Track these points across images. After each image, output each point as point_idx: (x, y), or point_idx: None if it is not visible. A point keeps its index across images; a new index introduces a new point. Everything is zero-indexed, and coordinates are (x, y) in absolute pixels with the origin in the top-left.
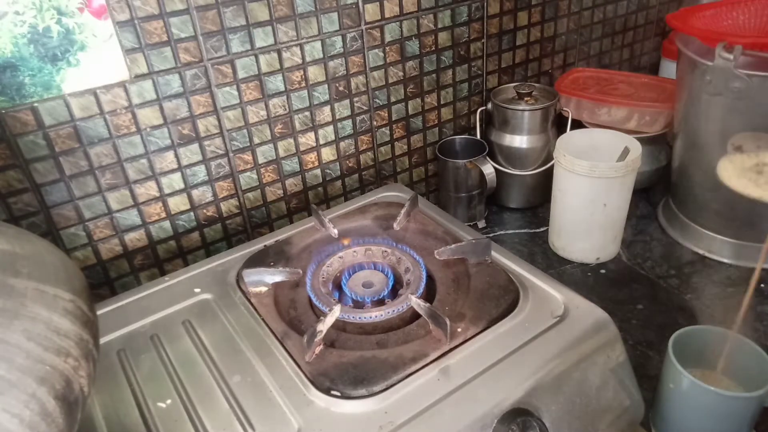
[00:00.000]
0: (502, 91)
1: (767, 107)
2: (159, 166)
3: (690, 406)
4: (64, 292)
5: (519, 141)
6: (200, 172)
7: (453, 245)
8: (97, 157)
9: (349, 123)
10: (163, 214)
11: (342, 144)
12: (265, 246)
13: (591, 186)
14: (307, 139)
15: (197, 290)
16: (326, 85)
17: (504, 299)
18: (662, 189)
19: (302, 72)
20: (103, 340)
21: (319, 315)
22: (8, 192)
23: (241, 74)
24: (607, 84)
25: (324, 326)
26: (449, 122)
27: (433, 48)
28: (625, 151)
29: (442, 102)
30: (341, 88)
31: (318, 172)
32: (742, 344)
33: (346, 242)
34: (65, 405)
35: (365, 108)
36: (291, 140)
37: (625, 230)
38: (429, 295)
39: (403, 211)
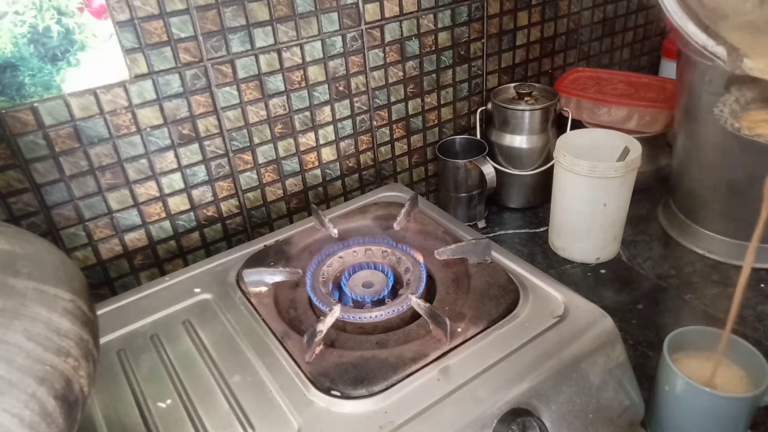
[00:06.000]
0: (502, 91)
1: None
2: (159, 166)
3: (685, 407)
4: (64, 292)
5: (519, 141)
6: (200, 172)
7: (453, 245)
8: (97, 157)
9: (349, 123)
10: (163, 214)
11: (342, 144)
12: (265, 246)
13: (591, 186)
14: (307, 139)
15: (197, 290)
16: (326, 85)
17: (504, 299)
18: (662, 189)
19: (302, 72)
20: (103, 340)
21: (319, 315)
22: (8, 192)
23: (241, 74)
24: (607, 84)
25: (324, 326)
26: (449, 122)
27: (433, 48)
28: (625, 151)
29: (442, 102)
30: (341, 88)
31: (318, 172)
32: (737, 344)
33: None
34: (65, 405)
35: (365, 108)
36: (291, 140)
37: (625, 230)
38: (429, 295)
39: (403, 211)
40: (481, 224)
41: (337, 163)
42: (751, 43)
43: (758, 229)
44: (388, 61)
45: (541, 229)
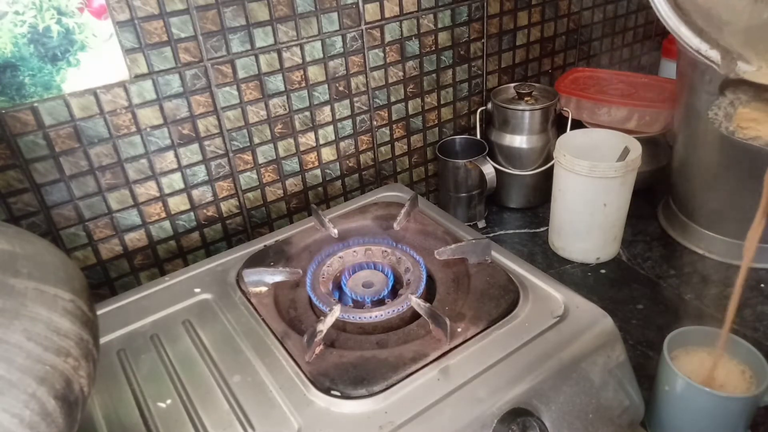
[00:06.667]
0: (502, 91)
1: None
2: (159, 166)
3: (685, 407)
4: (64, 292)
5: (519, 141)
6: (200, 172)
7: (453, 245)
8: (97, 157)
9: (349, 123)
10: (163, 214)
11: (342, 144)
12: (265, 246)
13: (591, 186)
14: (307, 139)
15: (197, 290)
16: (326, 85)
17: (504, 299)
18: (662, 189)
19: (302, 72)
20: (103, 340)
21: (319, 315)
22: (8, 192)
23: (241, 74)
24: (607, 84)
25: (324, 326)
26: (449, 122)
27: (433, 48)
28: (625, 151)
29: (442, 102)
30: (341, 88)
31: (318, 172)
32: (737, 344)
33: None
34: (65, 405)
35: (365, 108)
36: (291, 140)
37: (625, 230)
38: (429, 295)
39: (403, 211)
40: (481, 224)
41: (337, 163)
42: (744, 47)
43: (756, 225)
44: (388, 61)
45: (541, 229)
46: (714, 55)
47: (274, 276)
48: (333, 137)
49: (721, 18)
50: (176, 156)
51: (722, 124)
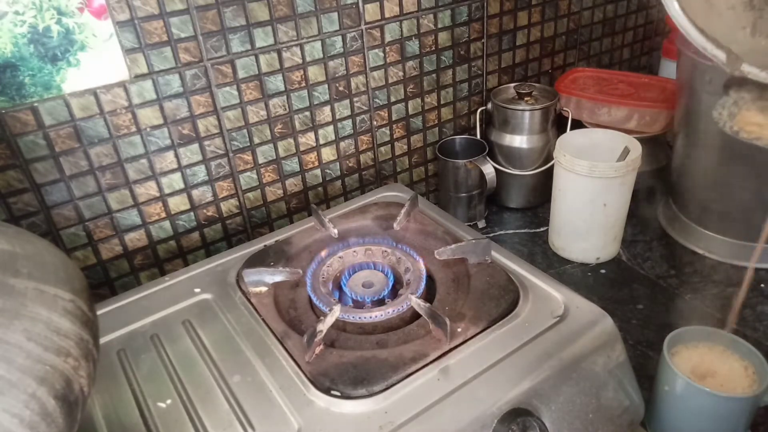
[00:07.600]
0: (502, 91)
1: None
2: (159, 166)
3: (685, 407)
4: (64, 292)
5: (519, 141)
6: (200, 172)
7: (453, 245)
8: (97, 157)
9: (349, 123)
10: (163, 214)
11: (342, 144)
12: (265, 246)
13: (591, 186)
14: (307, 139)
15: (197, 290)
16: (326, 85)
17: (504, 299)
18: (662, 189)
19: (302, 72)
20: (103, 340)
21: (319, 315)
22: (8, 192)
23: (241, 74)
24: (607, 84)
25: (324, 326)
26: (449, 122)
27: (433, 48)
28: (625, 151)
29: (442, 102)
30: (341, 88)
31: (318, 172)
32: (737, 344)
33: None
34: (65, 405)
35: (365, 108)
36: (291, 140)
37: (625, 230)
38: (429, 295)
39: (403, 211)
40: (481, 224)
41: (337, 163)
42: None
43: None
44: (388, 61)
45: (541, 229)
46: (719, 54)
47: (274, 276)
48: (333, 137)
49: (719, 41)
50: (176, 156)
51: (726, 124)
